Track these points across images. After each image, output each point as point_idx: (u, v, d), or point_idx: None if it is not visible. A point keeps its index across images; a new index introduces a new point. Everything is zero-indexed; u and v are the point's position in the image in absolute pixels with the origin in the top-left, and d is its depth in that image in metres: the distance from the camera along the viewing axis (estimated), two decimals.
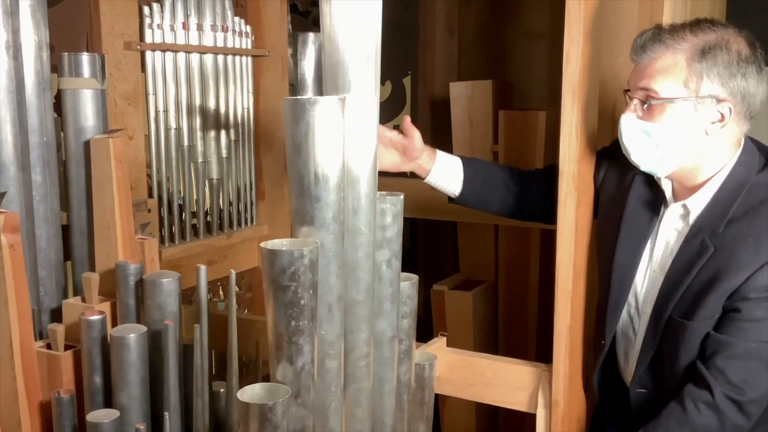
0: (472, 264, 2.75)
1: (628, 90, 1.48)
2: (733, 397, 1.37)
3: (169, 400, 1.43)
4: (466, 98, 2.71)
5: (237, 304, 2.51)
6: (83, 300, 1.59)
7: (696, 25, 1.41)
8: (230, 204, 2.36)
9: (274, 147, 2.45)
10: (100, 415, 1.37)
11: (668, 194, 1.52)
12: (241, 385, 1.18)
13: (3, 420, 1.43)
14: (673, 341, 1.47)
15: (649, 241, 1.54)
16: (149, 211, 2.07)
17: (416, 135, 1.67)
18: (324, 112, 1.15)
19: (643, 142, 1.43)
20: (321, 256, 1.19)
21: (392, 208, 1.36)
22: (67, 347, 1.52)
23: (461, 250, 2.78)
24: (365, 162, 1.27)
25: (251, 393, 1.16)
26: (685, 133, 1.40)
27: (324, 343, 1.23)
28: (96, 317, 1.45)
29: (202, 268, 1.45)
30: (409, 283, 1.45)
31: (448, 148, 2.79)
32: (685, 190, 1.49)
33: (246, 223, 2.42)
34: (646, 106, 1.41)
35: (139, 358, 1.42)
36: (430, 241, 3.21)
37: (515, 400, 1.64)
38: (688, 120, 1.39)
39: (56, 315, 1.64)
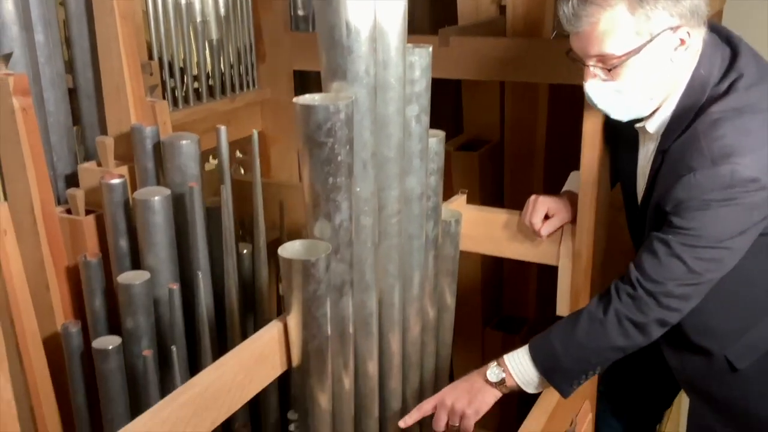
0: (477, 124, 2.70)
1: (570, 51, 1.40)
2: (649, 288, 1.38)
3: (198, 260, 1.43)
4: None
5: (242, 169, 2.50)
6: (99, 165, 1.56)
7: None
8: (231, 67, 2.28)
9: (272, 5, 2.35)
10: (130, 277, 1.38)
11: None
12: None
13: (31, 286, 1.42)
14: None
15: (637, 152, 1.54)
16: (151, 74, 1.99)
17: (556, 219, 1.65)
18: None
19: (617, 100, 1.39)
20: (355, 111, 1.16)
21: (420, 60, 1.32)
22: (86, 213, 1.50)
23: (465, 110, 2.72)
24: (395, 13, 1.22)
25: (292, 250, 1.16)
26: (654, 73, 1.36)
27: (359, 201, 1.22)
28: (117, 180, 1.43)
29: (222, 128, 1.42)
30: (437, 140, 1.43)
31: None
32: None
33: (247, 86, 2.35)
34: (609, 69, 1.36)
35: (165, 220, 1.41)
36: (433, 100, 3.15)
37: (537, 253, 1.66)
38: (652, 61, 1.34)
39: (71, 181, 1.60)
